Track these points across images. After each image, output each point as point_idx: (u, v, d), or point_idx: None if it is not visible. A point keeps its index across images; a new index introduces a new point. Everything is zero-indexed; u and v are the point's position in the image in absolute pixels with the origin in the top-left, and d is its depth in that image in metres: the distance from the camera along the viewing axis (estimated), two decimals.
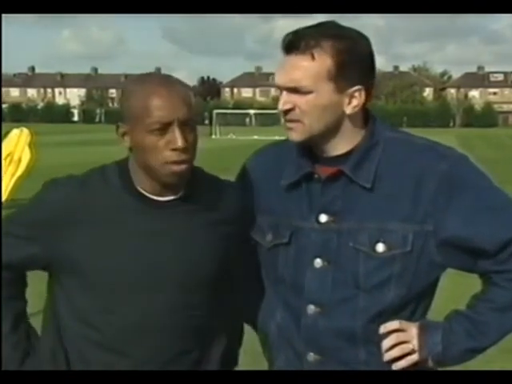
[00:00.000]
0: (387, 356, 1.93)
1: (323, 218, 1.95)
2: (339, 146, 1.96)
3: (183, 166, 1.85)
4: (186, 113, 1.84)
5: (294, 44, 1.89)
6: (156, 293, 1.89)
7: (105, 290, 1.89)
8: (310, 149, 1.99)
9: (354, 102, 1.92)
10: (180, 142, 1.82)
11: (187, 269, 1.92)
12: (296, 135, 1.94)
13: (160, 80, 1.87)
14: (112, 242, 1.88)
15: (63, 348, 1.96)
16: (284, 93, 1.93)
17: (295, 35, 1.90)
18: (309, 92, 1.89)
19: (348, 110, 1.93)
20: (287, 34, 1.93)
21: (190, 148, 1.86)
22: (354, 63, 1.89)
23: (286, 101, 1.92)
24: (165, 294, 1.90)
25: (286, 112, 1.93)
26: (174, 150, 1.83)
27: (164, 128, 1.82)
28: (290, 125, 1.94)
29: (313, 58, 1.87)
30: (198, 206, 1.95)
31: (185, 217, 1.93)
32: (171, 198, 1.92)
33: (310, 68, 1.88)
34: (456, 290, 4.27)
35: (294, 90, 1.91)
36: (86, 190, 1.92)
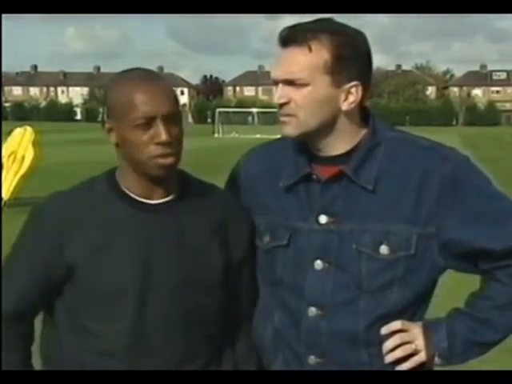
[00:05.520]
0: (390, 357, 1.90)
1: (323, 218, 1.92)
2: (337, 146, 1.94)
3: (169, 159, 1.86)
4: (169, 107, 1.85)
5: (291, 37, 1.88)
6: (153, 298, 1.87)
7: (104, 297, 1.87)
8: (307, 148, 1.96)
9: (351, 98, 1.89)
10: (164, 136, 1.83)
11: (183, 273, 1.90)
12: (290, 130, 1.92)
13: (142, 75, 1.88)
14: (107, 248, 1.87)
15: (63, 356, 1.93)
16: (280, 86, 1.90)
17: (293, 29, 1.89)
18: (305, 85, 1.87)
19: (344, 106, 1.90)
20: (285, 28, 1.91)
21: (174, 142, 1.86)
22: (352, 58, 1.87)
23: (281, 94, 1.90)
24: (162, 299, 1.88)
25: (282, 106, 1.90)
26: (159, 143, 1.84)
27: (148, 123, 1.83)
28: (284, 119, 1.92)
29: (310, 50, 1.85)
30: (190, 210, 1.94)
31: (177, 220, 1.92)
32: (161, 201, 1.92)
33: (307, 60, 1.86)
34: (456, 287, 4.28)
35: (290, 83, 1.88)
36: (75, 203, 1.91)
